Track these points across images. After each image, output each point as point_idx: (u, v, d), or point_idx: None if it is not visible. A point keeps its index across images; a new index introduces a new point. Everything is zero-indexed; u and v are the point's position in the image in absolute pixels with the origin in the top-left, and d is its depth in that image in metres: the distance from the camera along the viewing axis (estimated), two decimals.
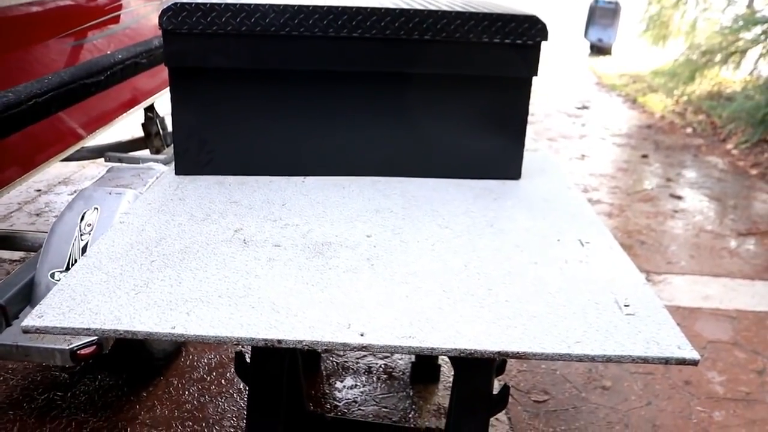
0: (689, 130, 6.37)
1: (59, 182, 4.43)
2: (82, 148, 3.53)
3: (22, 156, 2.38)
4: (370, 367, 2.58)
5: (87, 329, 1.22)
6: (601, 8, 10.20)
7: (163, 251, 1.48)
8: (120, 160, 3.10)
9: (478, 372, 1.50)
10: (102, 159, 3.44)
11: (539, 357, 1.19)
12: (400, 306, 1.30)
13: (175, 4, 1.73)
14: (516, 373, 2.57)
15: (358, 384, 2.48)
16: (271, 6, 1.75)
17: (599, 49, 10.44)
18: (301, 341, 1.19)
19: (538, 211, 1.80)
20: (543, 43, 1.86)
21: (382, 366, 2.58)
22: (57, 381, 2.41)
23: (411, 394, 2.42)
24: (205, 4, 1.73)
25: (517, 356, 1.19)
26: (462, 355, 1.19)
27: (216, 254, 1.48)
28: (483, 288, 1.38)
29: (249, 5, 1.74)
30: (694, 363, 1.20)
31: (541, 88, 7.92)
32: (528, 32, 1.83)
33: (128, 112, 3.18)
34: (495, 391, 1.59)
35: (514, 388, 2.47)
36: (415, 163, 1.98)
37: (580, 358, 1.19)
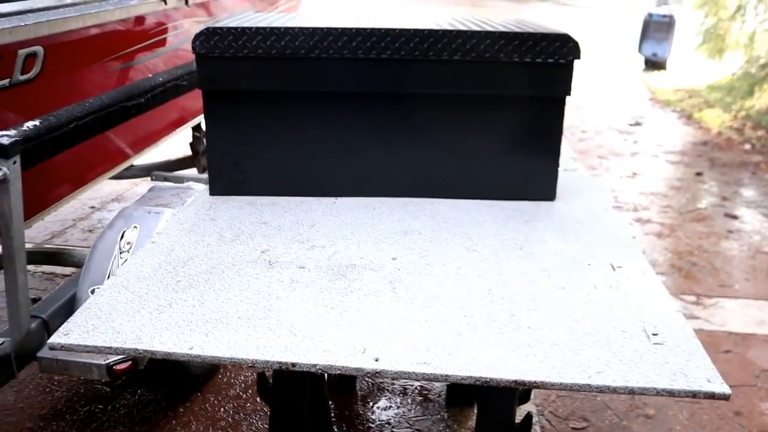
0: (747, 146, 6.14)
1: (112, 199, 4.58)
2: (132, 166, 3.67)
3: (72, 174, 2.47)
4: (405, 389, 2.55)
5: (108, 348, 1.24)
6: (656, 22, 9.97)
7: (189, 272, 1.51)
8: (165, 179, 3.18)
9: (500, 400, 1.47)
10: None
11: (557, 387, 1.16)
12: (418, 331, 1.28)
13: (208, 28, 1.77)
14: (555, 398, 2.50)
15: (393, 405, 2.46)
16: (301, 29, 1.77)
17: (654, 64, 10.20)
18: (315, 365, 1.18)
19: (570, 234, 1.75)
20: (576, 61, 1.83)
21: (418, 388, 2.55)
22: (99, 394, 2.47)
23: (446, 417, 2.39)
24: (236, 29, 1.77)
25: (534, 386, 1.16)
26: (477, 383, 1.17)
27: (240, 275, 1.49)
28: (505, 314, 1.35)
29: (279, 28, 1.77)
30: (724, 398, 1.14)
31: (593, 104, 7.78)
32: (560, 51, 1.79)
33: (175, 131, 3.28)
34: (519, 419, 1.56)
35: (552, 414, 2.40)
36: (447, 184, 1.96)
37: (601, 389, 1.15)
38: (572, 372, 1.17)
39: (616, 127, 6.82)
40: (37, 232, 3.99)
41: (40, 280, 3.31)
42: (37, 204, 2.25)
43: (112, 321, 1.31)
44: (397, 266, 1.55)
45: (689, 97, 8.24)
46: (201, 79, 1.86)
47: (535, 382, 1.16)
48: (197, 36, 1.78)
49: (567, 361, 1.20)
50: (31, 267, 3.40)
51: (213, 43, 1.79)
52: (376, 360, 1.19)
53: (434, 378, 1.17)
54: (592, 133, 6.53)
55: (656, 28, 10.09)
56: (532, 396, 2.50)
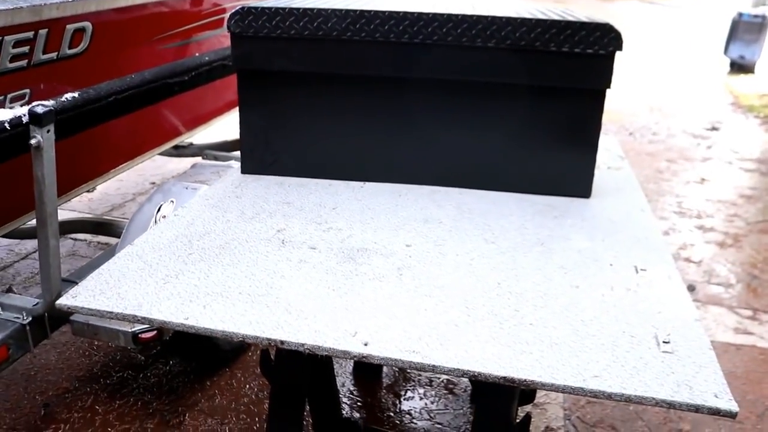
0: None
1: (172, 176, 4.72)
2: (192, 144, 3.77)
3: (122, 148, 2.56)
4: (431, 380, 2.52)
5: (109, 312, 1.27)
6: (746, 22, 9.43)
7: (203, 245, 1.53)
8: (215, 158, 3.25)
9: (498, 398, 1.42)
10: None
11: (548, 388, 1.11)
12: (414, 319, 1.25)
13: (242, 8, 1.78)
14: (584, 404, 2.41)
15: (416, 396, 2.44)
16: (333, 10, 1.76)
17: (740, 67, 9.66)
18: (303, 344, 1.18)
19: (598, 232, 1.68)
20: (617, 53, 1.74)
21: (444, 381, 2.52)
22: (133, 362, 2.56)
23: (468, 412, 2.34)
24: (270, 8, 1.77)
25: (524, 384, 1.11)
26: (465, 377, 1.13)
27: (251, 252, 1.50)
28: (509, 308, 1.31)
29: (312, 9, 1.76)
30: (730, 415, 1.07)
31: (668, 106, 7.46)
32: (600, 41, 1.71)
33: (229, 112, 3.34)
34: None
35: (579, 420, 2.32)
36: (477, 175, 1.91)
37: (595, 394, 1.10)
38: (567, 373, 1.12)
39: (690, 131, 6.50)
40: (99, 204, 4.16)
41: (95, 249, 3.45)
42: (83, 175, 2.34)
43: (119, 287, 1.34)
44: (409, 253, 1.52)
45: None
46: (235, 58, 1.87)
47: (525, 380, 1.11)
48: (232, 15, 1.80)
49: (564, 362, 1.14)
50: (87, 236, 3.56)
51: (247, 22, 1.80)
52: (365, 344, 1.17)
53: (421, 367, 1.14)
54: (664, 136, 6.26)
55: (746, 29, 9.54)
56: (561, 399, 2.43)
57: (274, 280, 1.38)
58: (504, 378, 1.11)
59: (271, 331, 1.20)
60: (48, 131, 1.64)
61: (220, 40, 2.89)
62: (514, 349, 1.17)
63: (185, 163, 4.97)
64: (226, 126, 3.26)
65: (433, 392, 2.46)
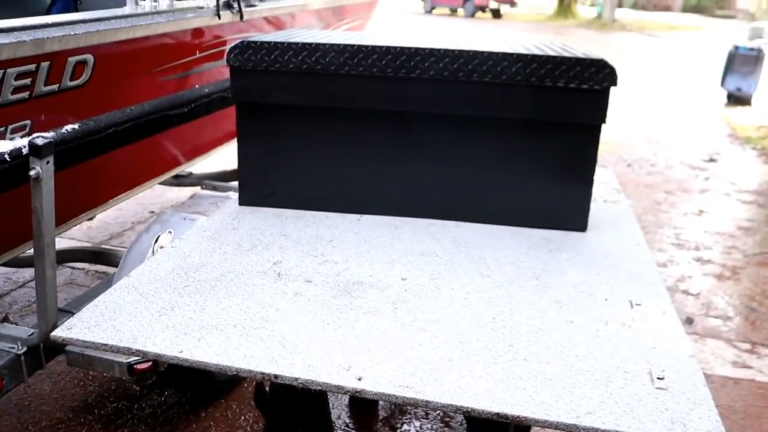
0: None
1: (171, 205, 4.73)
2: (191, 174, 3.79)
3: (121, 178, 2.58)
4: (427, 414, 2.50)
5: (104, 344, 1.28)
6: (742, 55, 9.54)
7: (199, 277, 1.53)
8: (214, 188, 3.27)
9: None
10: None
11: (541, 424, 1.10)
12: (408, 354, 1.25)
13: (242, 42, 1.81)
14: None
15: (413, 429, 2.42)
16: (331, 45, 1.79)
17: (737, 99, 9.74)
18: (297, 378, 1.18)
19: (593, 267, 1.68)
20: (612, 88, 1.76)
21: (440, 414, 2.50)
22: (128, 392, 2.54)
23: None
24: (269, 43, 1.80)
25: (518, 421, 1.11)
26: (459, 412, 1.13)
27: (247, 285, 1.51)
28: (504, 343, 1.31)
29: (310, 44, 1.79)
30: None
31: (666, 138, 7.51)
32: (595, 77, 1.74)
33: (227, 143, 3.36)
34: None
35: None
36: (474, 208, 1.92)
37: (588, 431, 1.09)
38: (560, 410, 1.11)
39: (688, 163, 6.54)
40: (98, 233, 4.16)
41: (93, 278, 3.45)
42: (82, 204, 2.35)
43: (115, 319, 1.34)
44: (404, 287, 1.53)
45: None
46: (234, 91, 1.90)
47: (518, 417, 1.11)
48: (232, 49, 1.82)
49: (557, 398, 1.14)
50: (85, 265, 3.56)
51: (246, 56, 1.83)
52: (359, 379, 1.17)
53: (414, 403, 1.14)
54: (662, 167, 6.29)
55: (742, 61, 9.65)
56: None
57: (269, 314, 1.38)
58: (497, 414, 1.11)
59: (265, 365, 1.20)
60: (47, 162, 1.65)
61: (221, 71, 2.93)
62: (507, 385, 1.17)
63: (185, 192, 4.99)
64: (226, 156, 3.28)
65: (429, 425, 2.44)
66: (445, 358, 1.25)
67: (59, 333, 1.30)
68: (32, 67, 1.88)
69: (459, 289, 1.53)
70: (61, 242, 3.53)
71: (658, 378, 1.21)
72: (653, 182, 5.81)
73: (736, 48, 9.67)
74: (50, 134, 1.70)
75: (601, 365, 1.24)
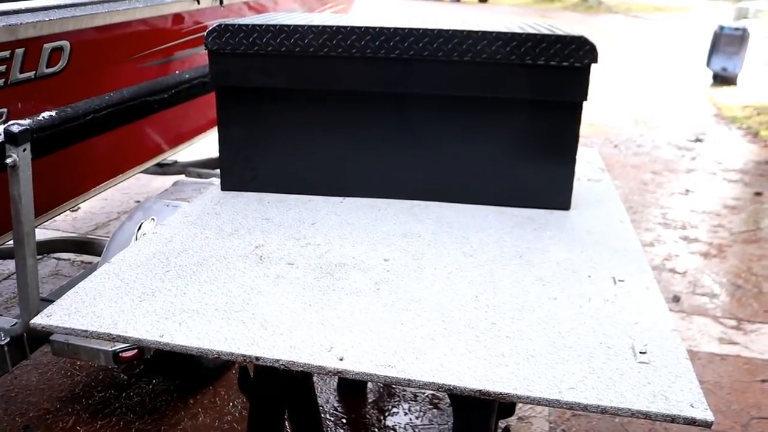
0: None
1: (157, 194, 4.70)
2: (176, 162, 3.76)
3: (103, 166, 2.55)
4: (416, 396, 2.51)
5: (84, 330, 1.26)
6: (727, 35, 9.56)
7: (180, 262, 1.52)
8: (199, 175, 3.24)
9: (477, 411, 1.41)
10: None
11: (524, 400, 1.10)
12: (390, 333, 1.25)
13: (220, 25, 1.79)
14: (569, 417, 2.41)
15: (401, 411, 2.42)
16: (310, 27, 1.77)
17: (723, 79, 9.77)
18: (278, 360, 1.17)
19: (577, 244, 1.68)
20: (593, 65, 1.76)
21: (429, 396, 2.50)
22: (116, 381, 2.53)
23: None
24: (247, 25, 1.78)
25: (500, 397, 1.11)
26: (441, 390, 1.13)
27: (228, 268, 1.50)
28: (486, 321, 1.30)
29: (288, 26, 1.77)
30: (706, 425, 1.07)
31: (653, 119, 7.53)
32: (575, 54, 1.73)
33: (211, 130, 3.33)
34: None
35: None
36: (457, 189, 1.92)
37: (571, 406, 1.09)
38: (543, 386, 1.11)
39: (674, 143, 6.56)
40: (83, 223, 4.13)
41: (79, 268, 3.42)
42: (64, 193, 2.32)
43: (95, 306, 1.33)
44: (387, 267, 1.52)
45: (757, 114, 7.85)
46: (213, 76, 1.88)
47: (500, 393, 1.11)
48: (209, 32, 1.80)
49: (540, 374, 1.14)
50: (70, 256, 3.53)
51: (225, 39, 1.81)
52: (341, 359, 1.16)
53: (396, 382, 1.14)
54: (648, 148, 6.31)
55: (727, 41, 9.67)
56: (547, 412, 2.42)
57: (250, 297, 1.37)
58: (480, 391, 1.11)
59: (246, 347, 1.20)
60: (24, 150, 1.63)
61: (203, 57, 2.90)
62: (490, 362, 1.17)
63: (170, 181, 4.97)
64: (212, 143, 3.26)
65: (417, 407, 2.44)
66: (428, 337, 1.24)
67: (39, 320, 1.28)
68: (6, 53, 1.84)
69: (442, 268, 1.53)
70: (46, 233, 3.50)
71: (641, 352, 1.21)
72: (640, 163, 5.83)
73: (722, 28, 9.68)
74: (26, 121, 1.67)
75: (583, 341, 1.25)
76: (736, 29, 9.62)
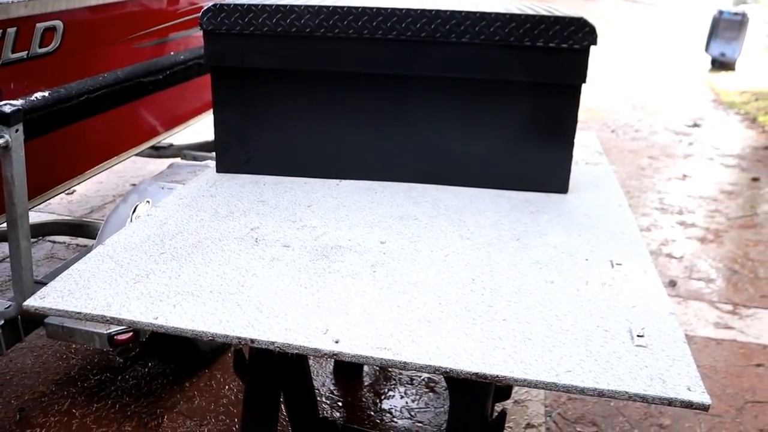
0: None
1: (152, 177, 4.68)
2: (172, 145, 3.73)
3: (98, 148, 2.53)
4: (412, 379, 2.51)
5: (77, 312, 1.25)
6: (726, 20, 9.52)
7: (175, 244, 1.51)
8: (194, 158, 3.22)
9: (473, 394, 1.41)
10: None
11: (521, 383, 1.10)
12: (386, 316, 1.24)
13: (215, 5, 1.76)
14: (565, 400, 2.41)
15: (397, 395, 2.43)
16: (306, 7, 1.74)
17: (721, 64, 9.74)
18: (273, 342, 1.16)
19: (575, 228, 1.68)
20: (592, 47, 1.74)
21: (425, 379, 2.51)
22: (111, 364, 2.52)
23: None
24: (242, 5, 1.75)
25: (497, 380, 1.10)
26: (437, 373, 1.12)
27: (224, 251, 1.48)
28: (483, 304, 1.30)
29: (284, 6, 1.75)
30: (703, 408, 1.06)
31: (651, 104, 7.51)
32: (574, 36, 1.71)
33: (207, 112, 3.30)
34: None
35: (560, 416, 2.32)
36: (454, 171, 1.91)
37: (568, 390, 1.09)
38: (539, 369, 1.11)
39: (672, 128, 6.55)
40: (78, 206, 4.11)
41: (74, 251, 3.41)
42: (58, 175, 2.30)
43: (89, 288, 1.32)
44: (383, 250, 1.51)
45: (756, 100, 7.84)
46: (208, 56, 1.85)
47: (497, 376, 1.10)
48: (204, 12, 1.77)
49: (537, 358, 1.14)
50: (65, 239, 3.52)
51: (220, 19, 1.78)
52: (336, 342, 1.16)
53: (392, 364, 1.13)
54: (646, 133, 6.30)
55: (726, 26, 9.62)
56: (543, 395, 2.43)
57: (245, 279, 1.36)
58: (476, 374, 1.10)
59: (241, 329, 1.19)
60: (17, 131, 1.61)
61: (199, 38, 2.87)
62: (486, 345, 1.16)
63: (166, 164, 4.94)
64: (208, 126, 3.23)
65: (414, 390, 2.45)
66: (424, 319, 1.24)
67: (32, 302, 1.27)
68: None
69: (438, 251, 1.52)
70: (41, 216, 3.49)
71: (638, 336, 1.21)
72: (637, 148, 5.81)
73: (720, 13, 9.64)
74: (19, 102, 1.65)
75: (581, 324, 1.24)
76: (735, 14, 9.58)
